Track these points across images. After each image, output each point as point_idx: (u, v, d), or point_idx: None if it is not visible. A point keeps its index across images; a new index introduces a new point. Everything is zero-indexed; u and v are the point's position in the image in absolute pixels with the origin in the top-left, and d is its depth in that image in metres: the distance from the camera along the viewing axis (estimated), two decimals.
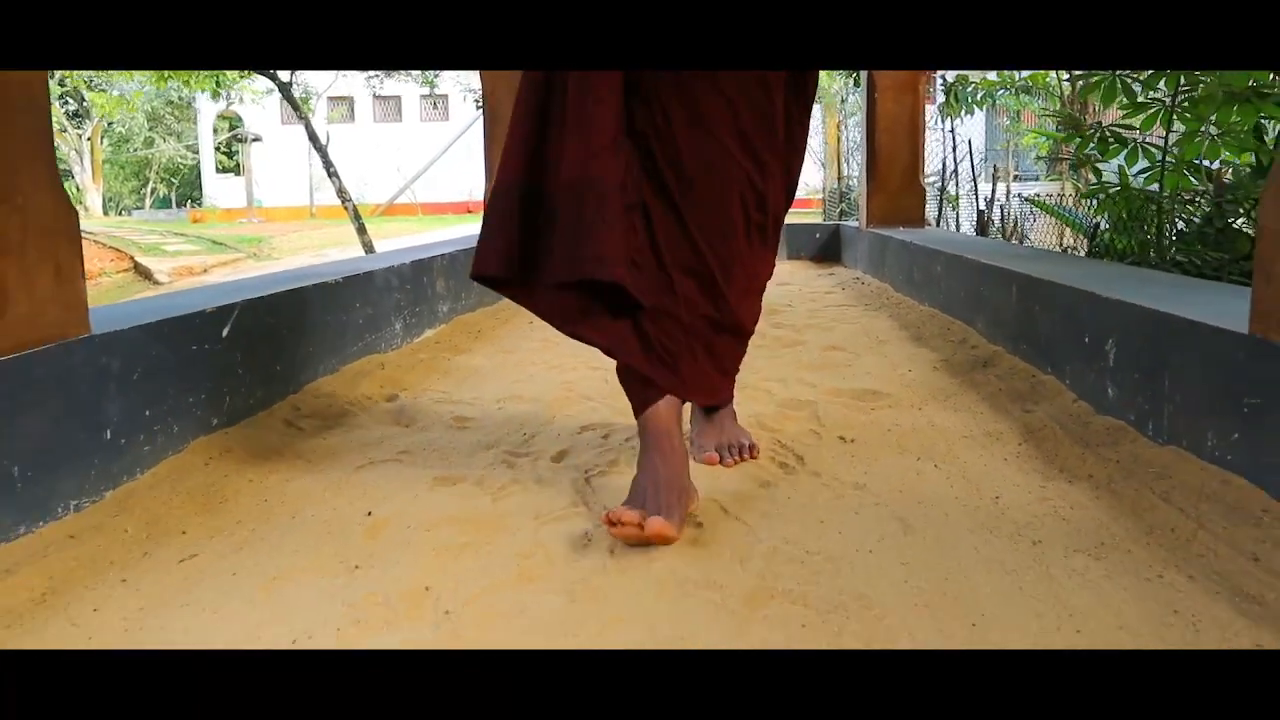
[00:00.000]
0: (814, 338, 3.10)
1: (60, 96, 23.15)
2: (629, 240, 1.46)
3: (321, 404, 2.16)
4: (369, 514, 1.49)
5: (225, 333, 1.93)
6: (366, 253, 8.44)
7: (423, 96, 23.92)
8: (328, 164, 9.02)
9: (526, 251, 1.47)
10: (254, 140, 24.06)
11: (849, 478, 1.64)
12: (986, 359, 2.52)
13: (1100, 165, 4.94)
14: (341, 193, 8.97)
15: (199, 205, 26.05)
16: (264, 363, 2.08)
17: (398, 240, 13.00)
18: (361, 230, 9.09)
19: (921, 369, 2.57)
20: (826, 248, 6.18)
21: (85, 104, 23.52)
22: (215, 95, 15.72)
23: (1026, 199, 6.68)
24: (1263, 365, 1.36)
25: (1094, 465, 1.64)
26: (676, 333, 1.52)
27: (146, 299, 2.06)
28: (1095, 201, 4.39)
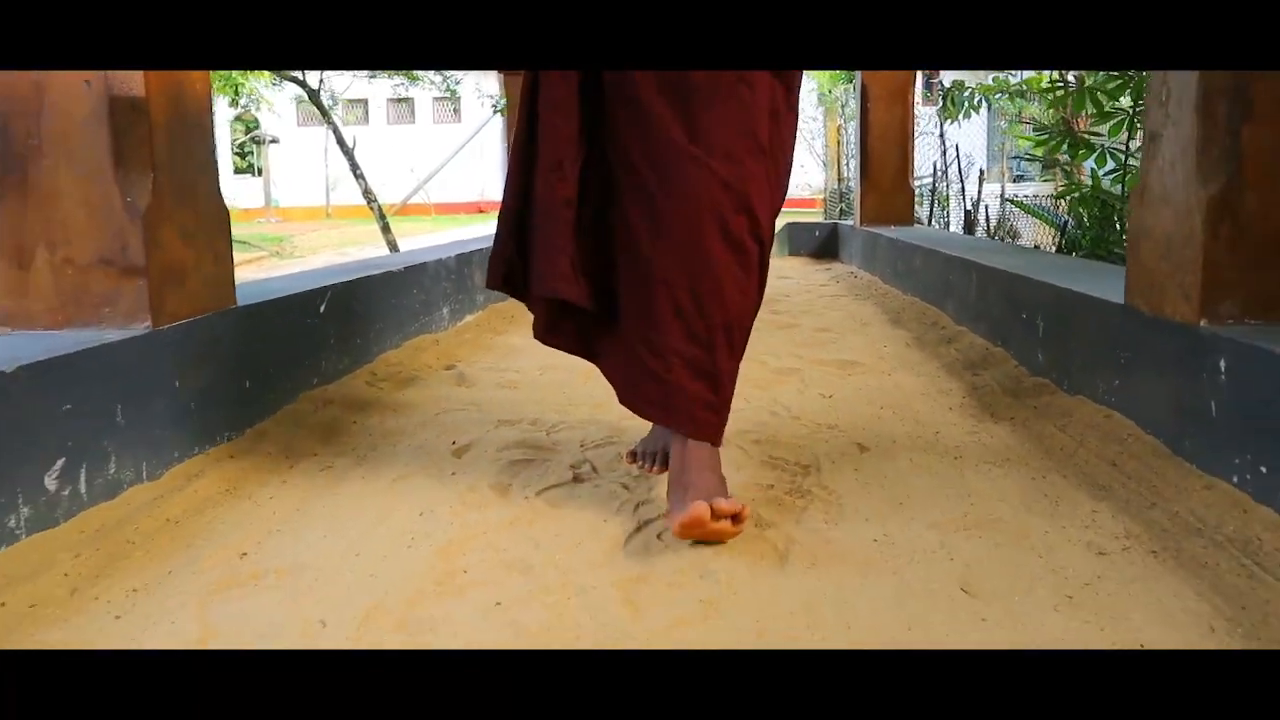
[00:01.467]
0: (807, 321, 3.54)
1: None
2: (583, 253, 1.49)
3: (393, 370, 2.62)
4: (453, 443, 1.94)
5: (322, 309, 2.38)
6: (391, 251, 8.89)
7: (435, 99, 24.41)
8: (354, 166, 9.50)
9: (523, 266, 1.57)
10: (271, 142, 24.59)
11: (824, 421, 2.08)
12: (951, 337, 2.96)
13: (1081, 166, 5.36)
14: (368, 194, 9.45)
15: None
16: (348, 335, 2.53)
17: (414, 239, 13.44)
18: (386, 229, 9.58)
19: (896, 345, 3.01)
20: (825, 245, 6.62)
21: None
22: (234, 102, 16.18)
23: (1008, 199, 7.10)
24: (1130, 327, 1.80)
25: (1017, 411, 2.08)
26: (616, 341, 1.53)
27: (260, 281, 2.52)
28: (1069, 201, 4.84)
